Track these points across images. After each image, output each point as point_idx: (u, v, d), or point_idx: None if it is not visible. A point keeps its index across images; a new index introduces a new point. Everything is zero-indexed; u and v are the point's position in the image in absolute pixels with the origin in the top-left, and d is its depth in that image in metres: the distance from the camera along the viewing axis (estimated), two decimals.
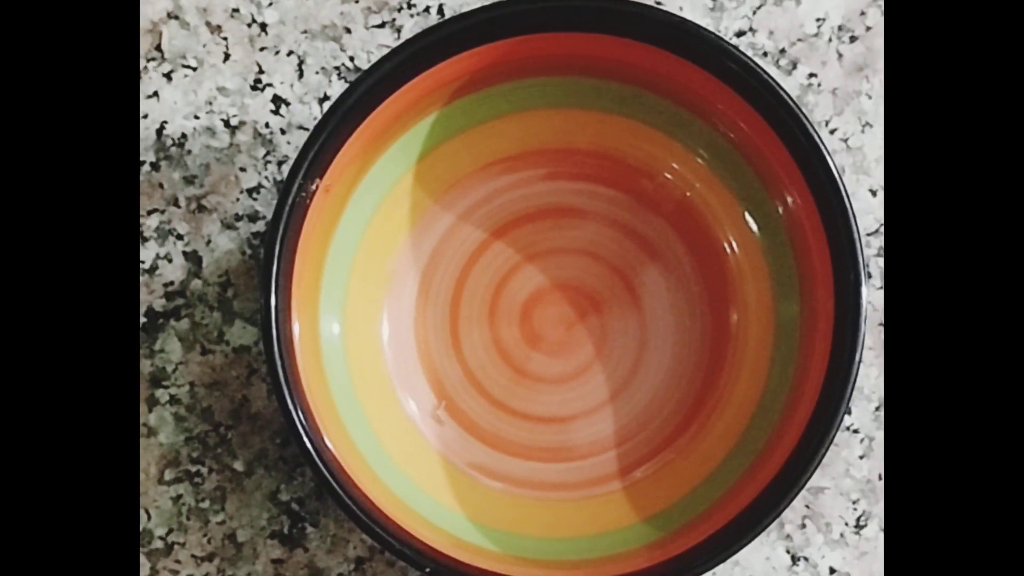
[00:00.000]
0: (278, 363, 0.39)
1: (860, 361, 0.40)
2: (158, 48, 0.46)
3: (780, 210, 0.43)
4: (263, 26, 0.46)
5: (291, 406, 0.39)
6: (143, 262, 0.45)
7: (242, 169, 0.46)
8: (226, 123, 0.46)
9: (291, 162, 0.41)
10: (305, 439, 0.39)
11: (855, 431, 0.45)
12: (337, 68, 0.46)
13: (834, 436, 0.40)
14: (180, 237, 0.46)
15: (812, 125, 0.40)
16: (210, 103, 0.46)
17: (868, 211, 0.46)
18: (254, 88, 0.46)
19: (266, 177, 0.46)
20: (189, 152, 0.46)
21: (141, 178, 0.45)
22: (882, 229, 0.46)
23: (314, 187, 0.40)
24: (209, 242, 0.46)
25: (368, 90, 0.40)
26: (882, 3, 0.46)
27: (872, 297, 0.46)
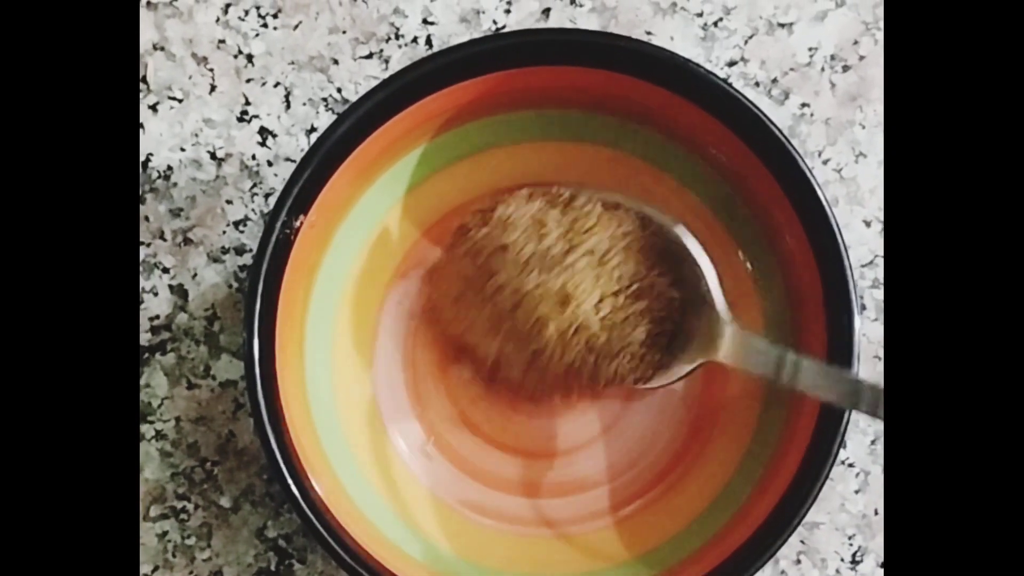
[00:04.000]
0: (261, 403, 0.38)
1: None
2: (144, 80, 0.45)
3: (772, 246, 0.42)
4: (249, 57, 0.45)
5: (274, 447, 0.39)
6: None
7: (228, 202, 0.45)
8: (212, 155, 0.45)
9: (277, 195, 0.40)
10: (288, 480, 0.39)
11: (850, 465, 0.45)
12: (324, 99, 0.45)
13: (828, 473, 0.39)
14: (166, 270, 0.45)
15: (803, 159, 0.40)
16: (196, 135, 0.45)
17: (862, 242, 0.45)
18: (240, 120, 0.45)
19: (253, 210, 0.45)
20: (175, 184, 0.45)
21: None
22: (877, 260, 0.45)
23: (298, 223, 0.40)
24: (195, 275, 0.45)
25: (354, 125, 0.40)
26: (876, 32, 0.45)
27: (866, 329, 0.45)
